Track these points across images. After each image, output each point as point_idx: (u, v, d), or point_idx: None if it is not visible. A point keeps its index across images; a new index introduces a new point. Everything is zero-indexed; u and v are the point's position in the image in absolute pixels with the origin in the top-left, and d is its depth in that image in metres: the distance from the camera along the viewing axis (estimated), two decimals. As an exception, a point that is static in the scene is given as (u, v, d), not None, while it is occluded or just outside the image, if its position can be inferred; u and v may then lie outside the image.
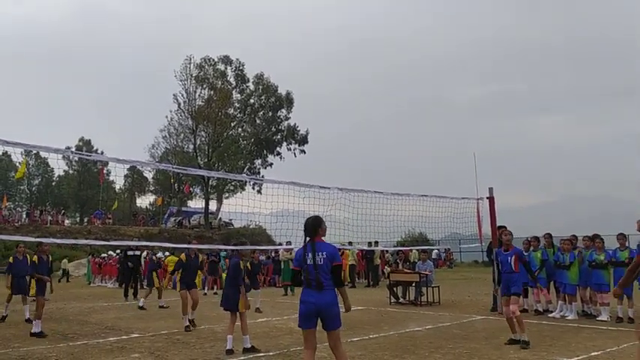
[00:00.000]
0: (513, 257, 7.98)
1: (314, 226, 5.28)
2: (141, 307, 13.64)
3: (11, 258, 11.80)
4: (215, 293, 18.43)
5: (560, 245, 11.18)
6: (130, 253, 17.44)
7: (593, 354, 7.02)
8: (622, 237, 10.47)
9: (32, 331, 9.24)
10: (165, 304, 14.06)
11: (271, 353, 7.52)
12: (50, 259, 10.52)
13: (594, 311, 10.52)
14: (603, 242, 10.56)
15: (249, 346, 7.60)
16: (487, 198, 12.32)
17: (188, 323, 9.97)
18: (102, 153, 52.03)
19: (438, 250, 35.99)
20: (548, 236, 11.81)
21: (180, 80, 44.69)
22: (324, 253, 5.12)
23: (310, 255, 5.12)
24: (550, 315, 10.87)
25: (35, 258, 10.21)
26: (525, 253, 11.73)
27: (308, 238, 5.26)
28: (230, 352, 7.47)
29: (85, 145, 57.69)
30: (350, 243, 17.72)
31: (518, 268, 7.95)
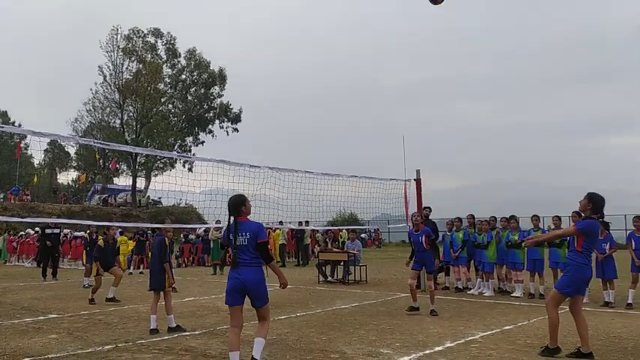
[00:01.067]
0: (423, 237, 8.90)
1: (236, 205, 5.20)
2: (86, 286, 13.20)
3: None
4: (141, 272, 17.98)
5: (478, 226, 11.73)
6: (48, 231, 16.61)
7: (505, 328, 7.46)
8: (536, 218, 11.11)
9: None
10: (88, 283, 13.57)
11: (197, 332, 7.44)
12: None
13: (509, 288, 11.16)
14: (518, 223, 11.17)
15: (174, 325, 7.48)
16: (414, 180, 12.68)
17: (92, 297, 10.44)
18: (19, 125, 49.07)
19: (367, 230, 36.81)
20: (471, 217, 12.34)
21: (107, 51, 42.68)
22: (246, 233, 5.06)
23: (232, 235, 5.07)
24: (469, 292, 11.43)
25: None
26: (448, 233, 12.25)
27: (232, 218, 5.17)
28: (154, 331, 7.33)
29: (2, 116, 54.06)
30: (280, 222, 17.74)
31: (429, 246, 8.96)
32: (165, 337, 7.07)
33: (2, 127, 6.89)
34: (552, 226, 10.78)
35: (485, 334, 7.04)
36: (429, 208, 12.85)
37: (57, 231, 17.11)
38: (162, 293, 7.66)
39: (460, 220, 12.38)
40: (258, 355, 4.92)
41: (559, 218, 10.90)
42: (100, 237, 11.39)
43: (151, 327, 7.41)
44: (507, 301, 10.20)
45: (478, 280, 11.55)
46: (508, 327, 7.52)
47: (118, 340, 6.88)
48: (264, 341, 5.05)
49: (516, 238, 10.71)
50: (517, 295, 10.67)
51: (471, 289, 11.65)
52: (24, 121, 56.82)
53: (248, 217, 5.27)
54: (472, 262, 11.91)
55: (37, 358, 5.97)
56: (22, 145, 45.87)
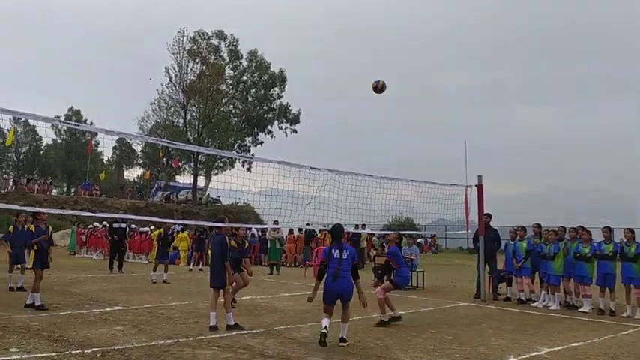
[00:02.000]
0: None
1: (340, 233, 7.10)
2: (154, 280, 13.75)
3: (11, 227, 11.73)
4: (200, 269, 18.43)
5: (544, 236, 11.26)
6: (115, 225, 17.33)
7: (573, 344, 7.11)
8: (607, 230, 10.54)
9: (28, 302, 9.06)
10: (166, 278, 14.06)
11: (255, 331, 7.53)
12: (51, 229, 10.23)
13: (577, 302, 10.65)
14: (590, 234, 10.64)
15: (232, 323, 7.60)
16: (476, 186, 12.35)
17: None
18: (91, 123, 51.41)
19: (424, 235, 36.22)
20: (537, 226, 11.88)
21: (173, 53, 44.06)
22: (347, 252, 6.89)
23: (337, 252, 6.82)
24: (533, 304, 10.99)
25: (32, 227, 10.09)
26: (511, 242, 11.83)
27: (335, 241, 6.98)
28: (214, 328, 7.47)
29: (75, 114, 56.85)
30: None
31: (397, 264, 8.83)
32: (224, 335, 7.20)
33: (77, 126, 7.24)
34: (624, 239, 10.20)
35: (551, 349, 6.74)
36: (488, 215, 12.49)
37: (124, 226, 17.82)
38: (221, 291, 7.80)
39: (524, 228, 11.93)
40: (345, 334, 6.78)
41: (609, 230, 10.35)
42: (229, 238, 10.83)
43: (211, 324, 7.55)
44: (575, 315, 9.73)
45: (543, 292, 11.08)
46: (576, 344, 7.16)
47: (180, 335, 7.06)
48: (347, 325, 6.87)
49: (587, 250, 10.20)
50: (585, 310, 10.15)
51: (534, 301, 11.20)
52: (95, 119, 59.49)
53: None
54: (536, 273, 11.46)
55: (104, 348, 6.21)
56: (92, 142, 48.15)
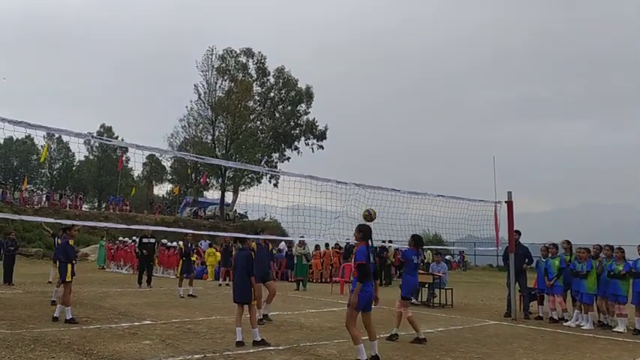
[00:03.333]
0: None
1: (370, 232, 6.75)
2: (181, 295, 13.91)
3: (59, 240, 11.85)
4: (227, 284, 18.50)
5: (577, 254, 10.98)
6: (144, 240, 17.55)
7: (608, 366, 6.88)
8: (643, 247, 10.23)
9: (55, 315, 9.23)
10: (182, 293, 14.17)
11: (281, 347, 7.50)
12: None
13: (611, 322, 10.33)
14: (623, 252, 10.35)
15: (258, 339, 7.58)
16: (505, 202, 12.15)
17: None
18: (122, 140, 52.49)
19: (452, 252, 35.70)
20: (567, 243, 11.62)
21: (202, 71, 44.87)
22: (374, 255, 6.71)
23: (372, 256, 6.59)
24: (565, 324, 10.69)
25: (58, 241, 10.43)
26: (543, 260, 11.58)
27: (370, 241, 6.65)
28: (240, 343, 7.47)
29: (106, 131, 58.21)
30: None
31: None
32: (251, 351, 7.18)
33: (109, 141, 7.40)
34: (639, 256, 9.92)
35: (585, 371, 6.53)
36: (518, 231, 12.25)
37: (153, 240, 18.03)
38: (246, 306, 7.79)
39: (555, 246, 11.67)
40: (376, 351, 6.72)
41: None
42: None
43: (237, 339, 7.55)
44: (609, 336, 9.42)
45: (575, 311, 10.78)
46: (611, 365, 6.93)
47: (207, 350, 7.08)
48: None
49: (621, 268, 9.91)
50: (620, 330, 9.82)
51: (567, 320, 10.90)
52: (126, 136, 60.88)
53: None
54: (568, 291, 11.17)
55: (133, 362, 6.26)
56: (124, 158, 49.17)
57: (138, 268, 18.32)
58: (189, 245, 15.70)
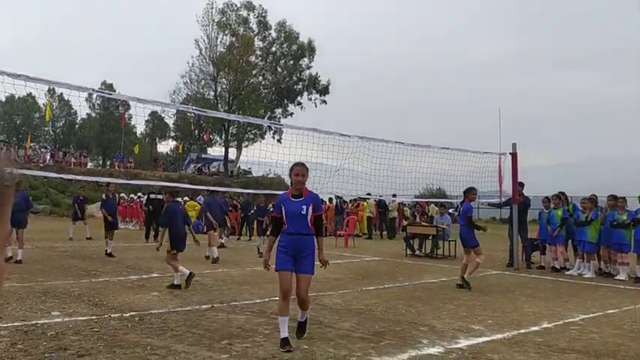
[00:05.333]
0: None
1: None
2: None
3: (103, 195, 13.40)
4: (238, 239, 18.72)
5: (581, 204, 11.03)
6: (152, 196, 17.68)
7: (609, 311, 7.00)
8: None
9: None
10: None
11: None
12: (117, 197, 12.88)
13: (612, 270, 10.45)
14: (626, 202, 10.40)
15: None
16: (510, 154, 12.11)
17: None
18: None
19: (455, 206, 35.81)
20: (562, 194, 11.71)
21: (202, 25, 44.03)
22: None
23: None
24: (567, 273, 10.84)
25: (104, 196, 12.85)
26: (545, 211, 11.63)
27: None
28: (192, 274, 8.18)
29: (107, 88, 57.73)
30: (368, 194, 17.69)
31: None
32: (257, 301, 7.33)
33: (110, 95, 7.34)
34: None
35: (586, 316, 6.65)
36: (521, 183, 12.28)
37: (160, 197, 18.15)
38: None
39: (559, 197, 11.68)
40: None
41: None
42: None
43: (176, 282, 8.11)
44: (610, 283, 9.56)
45: (577, 260, 10.91)
46: (612, 310, 7.05)
47: (214, 301, 7.22)
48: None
49: (625, 217, 9.95)
50: (621, 278, 9.96)
51: (568, 269, 11.04)
52: (128, 93, 60.27)
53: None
54: (570, 241, 11.27)
55: (142, 312, 6.40)
56: (126, 115, 48.92)
57: (145, 223, 18.51)
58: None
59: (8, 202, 0.63)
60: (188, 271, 8.08)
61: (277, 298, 7.46)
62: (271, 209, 14.93)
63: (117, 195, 12.78)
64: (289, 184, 5.66)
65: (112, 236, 12.61)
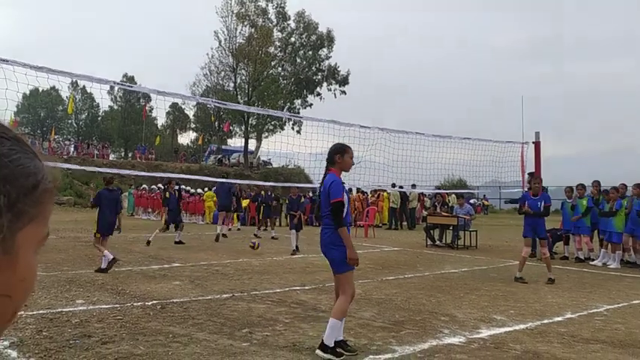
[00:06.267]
0: (542, 202, 8.50)
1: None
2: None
3: (167, 193, 13.92)
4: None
5: (604, 194, 10.84)
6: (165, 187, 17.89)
7: (634, 302, 6.87)
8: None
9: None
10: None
11: (307, 287, 7.66)
12: (177, 194, 13.83)
13: (638, 260, 10.25)
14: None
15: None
16: (533, 143, 11.93)
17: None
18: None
19: (476, 196, 35.49)
20: (597, 184, 11.46)
21: (221, 17, 44.16)
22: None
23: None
24: (592, 263, 10.67)
25: (167, 194, 13.55)
26: (568, 201, 11.45)
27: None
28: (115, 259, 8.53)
29: (129, 81, 58.31)
30: (393, 185, 17.59)
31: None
32: (278, 290, 7.36)
33: (131, 87, 7.39)
34: None
35: (611, 307, 6.53)
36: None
37: (177, 188, 18.35)
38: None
39: (584, 186, 11.49)
40: None
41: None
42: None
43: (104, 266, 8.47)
44: (636, 274, 9.38)
45: (602, 250, 10.72)
46: (637, 301, 6.93)
47: (235, 290, 7.26)
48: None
49: (651, 206, 9.74)
50: (647, 268, 9.77)
51: (593, 259, 10.86)
52: (149, 86, 60.82)
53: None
54: (595, 232, 11.08)
55: (163, 301, 6.47)
56: (147, 108, 49.41)
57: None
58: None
59: (49, 202, 0.61)
60: (112, 256, 8.50)
61: (297, 288, 7.53)
62: (304, 201, 15.03)
63: (176, 190, 14.11)
64: (309, 174, 5.54)
65: (182, 227, 13.99)
